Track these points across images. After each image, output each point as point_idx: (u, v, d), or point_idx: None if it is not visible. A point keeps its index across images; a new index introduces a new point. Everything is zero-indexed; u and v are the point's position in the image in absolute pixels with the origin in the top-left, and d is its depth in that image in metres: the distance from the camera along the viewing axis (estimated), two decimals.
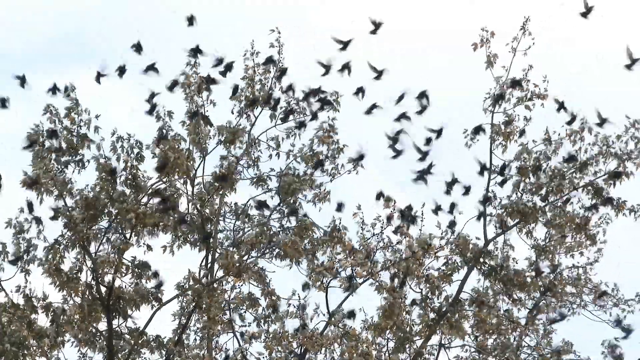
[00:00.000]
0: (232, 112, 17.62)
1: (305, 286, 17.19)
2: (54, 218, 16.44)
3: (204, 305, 16.65)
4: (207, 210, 17.02)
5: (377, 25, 16.72)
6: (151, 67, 16.86)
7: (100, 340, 16.75)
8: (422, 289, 17.73)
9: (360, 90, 16.97)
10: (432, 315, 17.67)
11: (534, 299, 18.55)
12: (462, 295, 17.91)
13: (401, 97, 17.13)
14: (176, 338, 16.99)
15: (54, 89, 16.63)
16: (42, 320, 16.71)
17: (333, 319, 17.16)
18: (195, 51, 17.24)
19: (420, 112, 17.28)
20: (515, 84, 18.12)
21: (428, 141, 17.38)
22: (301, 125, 17.56)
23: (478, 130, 17.99)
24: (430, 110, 17.36)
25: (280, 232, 17.11)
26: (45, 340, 16.47)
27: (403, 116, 17.14)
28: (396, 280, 17.46)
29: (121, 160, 16.51)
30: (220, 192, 17.15)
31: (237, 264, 16.66)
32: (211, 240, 17.20)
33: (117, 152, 16.53)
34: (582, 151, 18.31)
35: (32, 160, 16.49)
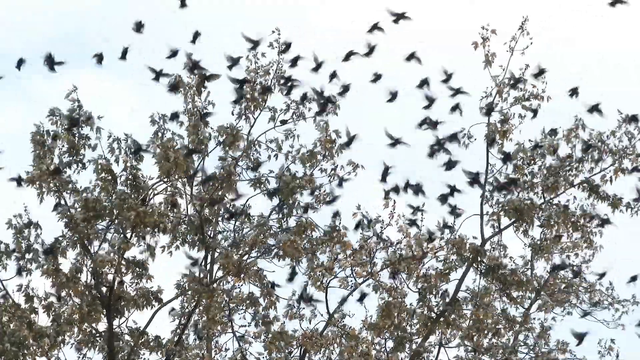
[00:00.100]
0: (232, 114, 17.63)
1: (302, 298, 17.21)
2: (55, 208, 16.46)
3: (202, 306, 16.66)
4: (206, 211, 16.99)
5: (371, 49, 16.82)
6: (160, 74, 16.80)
7: (100, 342, 16.75)
8: (419, 288, 17.76)
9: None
10: (430, 314, 17.69)
11: (529, 298, 18.59)
12: (460, 295, 17.95)
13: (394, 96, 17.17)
14: (176, 338, 17.01)
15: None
16: (43, 320, 16.76)
17: (333, 319, 17.20)
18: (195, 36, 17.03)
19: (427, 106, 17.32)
20: (516, 82, 18.14)
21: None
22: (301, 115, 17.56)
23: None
24: (430, 111, 17.42)
25: (279, 233, 17.12)
26: (45, 339, 16.48)
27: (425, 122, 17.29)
28: (396, 279, 17.52)
29: (120, 161, 16.53)
30: (220, 194, 17.12)
31: (237, 264, 16.67)
32: (210, 240, 17.19)
33: (115, 154, 16.55)
34: (577, 149, 18.40)
35: (33, 160, 16.52)
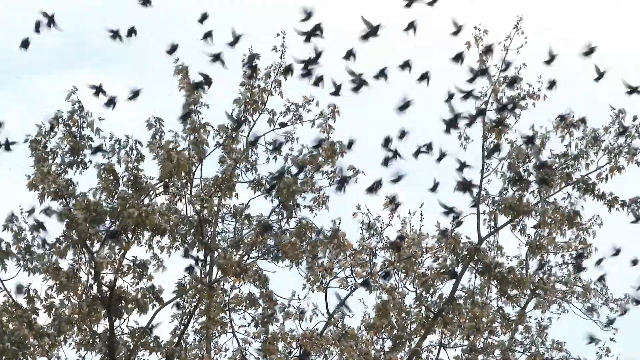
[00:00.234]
0: (231, 115, 17.59)
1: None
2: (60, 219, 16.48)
3: (203, 306, 16.67)
4: (206, 212, 16.98)
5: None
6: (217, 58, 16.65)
7: (98, 343, 16.75)
8: (416, 288, 17.77)
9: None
10: (427, 313, 17.71)
11: (525, 297, 18.62)
12: (457, 294, 17.96)
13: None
14: (176, 339, 17.01)
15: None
16: (43, 319, 16.76)
17: (332, 319, 17.21)
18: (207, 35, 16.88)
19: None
20: (513, 82, 18.15)
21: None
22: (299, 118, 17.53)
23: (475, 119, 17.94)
24: (428, 112, 17.40)
25: (279, 233, 17.12)
26: (45, 339, 16.48)
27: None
28: (394, 279, 17.56)
29: (122, 162, 16.54)
30: (219, 195, 17.12)
31: (237, 265, 16.67)
32: (209, 241, 17.18)
33: (117, 155, 16.55)
34: (572, 146, 18.43)
35: (33, 162, 16.53)
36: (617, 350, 18.67)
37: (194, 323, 17.19)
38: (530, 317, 18.60)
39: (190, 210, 16.96)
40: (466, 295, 17.96)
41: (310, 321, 17.22)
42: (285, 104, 17.41)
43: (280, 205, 17.25)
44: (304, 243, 17.11)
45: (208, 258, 17.24)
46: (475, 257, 17.96)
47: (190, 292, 16.88)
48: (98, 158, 16.69)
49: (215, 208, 17.21)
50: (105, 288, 16.68)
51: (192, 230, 16.91)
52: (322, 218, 17.34)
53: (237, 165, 17.24)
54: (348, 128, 17.38)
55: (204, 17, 16.53)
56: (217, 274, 17.07)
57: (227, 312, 17.19)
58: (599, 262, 18.64)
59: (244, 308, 17.27)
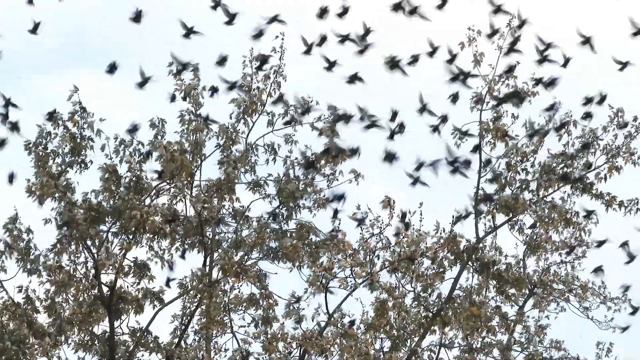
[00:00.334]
0: (230, 117, 17.60)
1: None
2: (61, 226, 16.45)
3: (203, 307, 16.67)
4: (206, 213, 16.98)
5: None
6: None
7: (98, 345, 16.74)
8: (414, 287, 17.77)
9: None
10: (425, 313, 17.71)
11: (524, 296, 18.65)
12: (455, 294, 17.97)
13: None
14: (176, 339, 17.01)
15: None
16: (43, 319, 16.76)
17: (332, 319, 17.21)
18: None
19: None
20: (510, 70, 18.13)
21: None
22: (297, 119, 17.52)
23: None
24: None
25: (280, 233, 17.13)
26: (47, 339, 16.49)
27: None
28: (393, 278, 17.58)
29: (124, 163, 16.54)
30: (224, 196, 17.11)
31: (237, 265, 16.68)
32: (209, 242, 17.19)
33: (120, 155, 16.55)
34: (570, 145, 18.46)
35: (34, 164, 16.53)
36: (616, 350, 18.74)
37: (194, 323, 17.21)
38: (528, 316, 18.65)
39: (190, 211, 16.99)
40: (464, 294, 17.97)
41: (313, 320, 17.25)
42: (284, 107, 17.45)
43: (281, 206, 17.28)
44: (305, 245, 17.11)
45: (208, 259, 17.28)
46: (474, 257, 17.98)
47: (191, 292, 16.88)
48: (100, 159, 16.71)
49: (216, 208, 17.21)
50: (105, 288, 16.69)
51: (193, 231, 16.93)
52: (321, 218, 17.40)
53: (236, 166, 17.25)
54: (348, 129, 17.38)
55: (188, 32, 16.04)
56: (218, 274, 17.09)
57: (227, 312, 17.19)
58: (596, 269, 18.65)
59: (243, 308, 17.28)
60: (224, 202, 17.20)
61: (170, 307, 17.08)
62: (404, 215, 17.57)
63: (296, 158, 17.35)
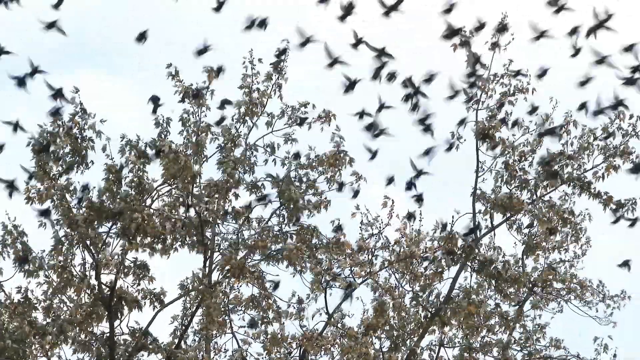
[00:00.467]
0: (232, 120, 17.60)
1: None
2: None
3: (203, 308, 16.68)
4: (207, 214, 16.99)
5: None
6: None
7: (96, 346, 16.75)
8: (412, 287, 17.78)
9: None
10: (424, 313, 17.72)
11: (523, 294, 18.66)
12: (454, 293, 17.98)
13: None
14: (176, 340, 17.02)
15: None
16: (42, 319, 16.76)
17: (332, 319, 17.22)
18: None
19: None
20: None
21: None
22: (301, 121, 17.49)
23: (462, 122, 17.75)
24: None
25: (281, 235, 17.14)
26: (47, 338, 16.50)
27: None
28: (393, 278, 17.58)
29: (128, 162, 16.55)
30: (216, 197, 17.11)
31: (241, 266, 16.69)
32: (208, 242, 17.20)
33: (125, 155, 16.57)
34: (569, 145, 18.47)
35: (34, 164, 16.54)
36: (614, 344, 18.78)
37: (194, 324, 17.22)
38: (528, 315, 18.66)
39: (191, 211, 16.99)
40: (463, 293, 17.97)
41: (313, 318, 17.26)
42: (282, 107, 17.46)
43: (282, 209, 17.31)
44: (306, 247, 17.12)
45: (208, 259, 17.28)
46: (471, 256, 17.99)
47: (192, 293, 16.89)
48: (101, 159, 16.72)
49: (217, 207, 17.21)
50: (105, 288, 16.69)
51: (193, 231, 16.94)
52: (321, 218, 17.41)
53: (236, 167, 17.26)
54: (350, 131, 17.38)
55: None
56: (218, 275, 17.11)
57: (227, 312, 17.20)
58: (624, 263, 18.60)
59: (243, 309, 17.29)
60: (224, 202, 17.21)
61: (169, 308, 17.12)
62: (410, 215, 17.56)
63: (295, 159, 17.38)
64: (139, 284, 16.84)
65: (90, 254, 16.60)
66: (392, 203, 17.68)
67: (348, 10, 14.23)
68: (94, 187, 16.57)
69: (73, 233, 16.48)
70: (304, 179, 17.33)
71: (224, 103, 17.18)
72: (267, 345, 16.78)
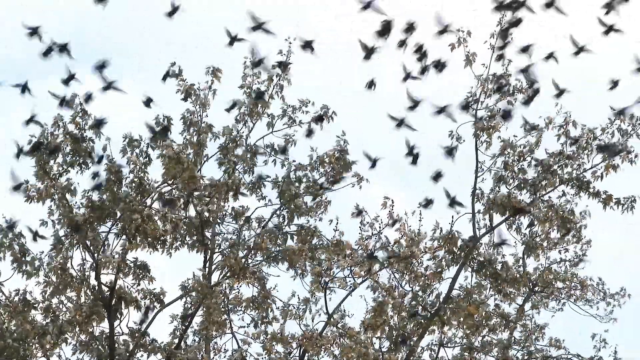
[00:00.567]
0: (237, 120, 17.58)
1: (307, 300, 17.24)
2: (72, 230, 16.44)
3: (204, 307, 16.69)
4: (207, 214, 16.99)
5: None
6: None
7: (96, 346, 16.76)
8: (412, 287, 17.79)
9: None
10: (424, 313, 17.73)
11: (523, 294, 18.67)
12: (454, 293, 18.00)
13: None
14: (176, 340, 17.03)
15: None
16: (41, 319, 16.77)
17: (332, 319, 17.23)
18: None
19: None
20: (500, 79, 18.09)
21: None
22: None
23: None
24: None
25: (281, 235, 17.16)
26: (47, 337, 16.51)
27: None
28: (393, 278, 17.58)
29: (130, 163, 16.56)
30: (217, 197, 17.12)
31: (239, 266, 16.70)
32: (208, 242, 17.21)
33: (127, 155, 16.58)
34: (568, 145, 18.46)
35: (35, 163, 16.55)
36: (613, 342, 18.82)
37: (194, 324, 17.23)
38: (528, 315, 18.67)
39: (191, 211, 17.01)
40: (463, 293, 17.98)
41: (313, 320, 17.27)
42: (282, 107, 17.46)
43: (282, 208, 17.32)
44: (307, 248, 17.13)
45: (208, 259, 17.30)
46: (471, 256, 18.00)
47: (193, 293, 16.90)
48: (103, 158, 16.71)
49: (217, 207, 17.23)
50: (105, 288, 16.71)
51: (194, 231, 16.95)
52: (323, 222, 17.44)
53: (235, 168, 17.26)
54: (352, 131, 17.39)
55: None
56: (219, 275, 17.12)
57: (227, 313, 17.21)
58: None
59: (242, 309, 17.29)
60: (225, 202, 17.23)
61: (169, 308, 17.13)
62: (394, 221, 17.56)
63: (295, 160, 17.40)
64: (138, 284, 16.85)
65: (90, 254, 16.62)
66: (392, 203, 17.70)
67: (370, 51, 14.31)
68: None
69: (73, 233, 16.49)
70: (304, 180, 17.35)
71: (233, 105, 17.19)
72: (267, 345, 16.78)
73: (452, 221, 17.79)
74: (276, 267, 17.21)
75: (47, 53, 14.00)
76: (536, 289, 18.82)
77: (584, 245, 19.02)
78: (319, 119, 17.19)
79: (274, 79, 17.41)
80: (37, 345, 16.60)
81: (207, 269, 17.22)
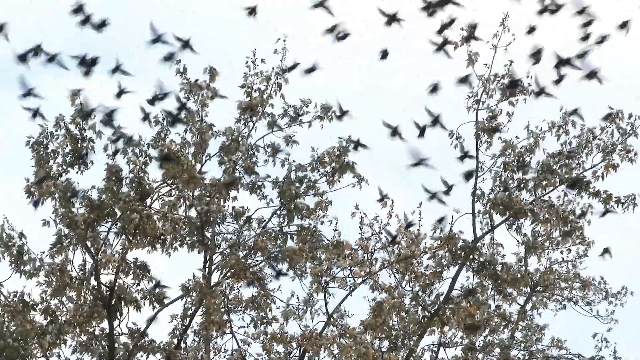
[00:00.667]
0: (239, 121, 17.57)
1: (308, 301, 17.23)
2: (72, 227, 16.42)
3: (204, 307, 16.69)
4: (207, 214, 16.99)
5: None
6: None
7: (96, 346, 16.76)
8: (412, 287, 17.78)
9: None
10: (424, 313, 17.72)
11: (525, 295, 18.67)
12: (454, 293, 17.99)
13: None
14: (175, 340, 17.03)
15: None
16: (41, 319, 16.77)
17: (332, 319, 17.23)
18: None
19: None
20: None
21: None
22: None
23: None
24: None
25: (281, 235, 17.15)
26: (47, 338, 16.51)
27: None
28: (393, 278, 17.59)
29: (130, 163, 16.55)
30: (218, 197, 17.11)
31: (239, 266, 16.70)
32: (208, 242, 17.21)
33: (127, 156, 16.57)
34: (567, 144, 18.46)
35: (35, 163, 16.53)
36: (613, 340, 18.82)
37: (194, 324, 17.22)
38: (530, 315, 18.66)
39: (191, 211, 17.00)
40: (463, 293, 17.97)
41: (313, 320, 17.27)
42: (283, 107, 17.47)
43: (283, 208, 17.32)
44: (309, 250, 17.12)
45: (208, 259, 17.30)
46: (471, 256, 17.99)
47: (193, 293, 16.89)
48: (102, 158, 16.73)
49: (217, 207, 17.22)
50: (104, 288, 16.71)
51: (194, 231, 16.95)
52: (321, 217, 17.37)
53: (235, 168, 17.26)
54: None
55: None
56: (219, 275, 17.12)
57: (227, 313, 17.21)
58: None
59: (242, 309, 17.29)
60: (225, 202, 17.23)
61: (169, 308, 17.13)
62: (409, 224, 17.54)
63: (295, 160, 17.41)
64: (138, 284, 16.84)
65: (90, 254, 16.61)
66: (392, 203, 17.69)
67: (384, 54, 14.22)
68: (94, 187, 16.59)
69: (73, 233, 16.49)
70: (304, 180, 17.35)
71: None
72: (267, 346, 16.78)
73: (452, 221, 17.84)
74: (275, 267, 17.20)
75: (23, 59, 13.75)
76: (538, 288, 18.80)
77: (586, 247, 19.00)
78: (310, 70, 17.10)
79: (272, 78, 17.42)
80: (37, 345, 16.60)
81: (207, 269, 17.22)
